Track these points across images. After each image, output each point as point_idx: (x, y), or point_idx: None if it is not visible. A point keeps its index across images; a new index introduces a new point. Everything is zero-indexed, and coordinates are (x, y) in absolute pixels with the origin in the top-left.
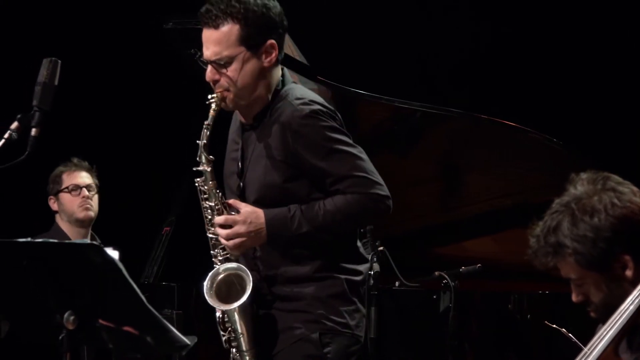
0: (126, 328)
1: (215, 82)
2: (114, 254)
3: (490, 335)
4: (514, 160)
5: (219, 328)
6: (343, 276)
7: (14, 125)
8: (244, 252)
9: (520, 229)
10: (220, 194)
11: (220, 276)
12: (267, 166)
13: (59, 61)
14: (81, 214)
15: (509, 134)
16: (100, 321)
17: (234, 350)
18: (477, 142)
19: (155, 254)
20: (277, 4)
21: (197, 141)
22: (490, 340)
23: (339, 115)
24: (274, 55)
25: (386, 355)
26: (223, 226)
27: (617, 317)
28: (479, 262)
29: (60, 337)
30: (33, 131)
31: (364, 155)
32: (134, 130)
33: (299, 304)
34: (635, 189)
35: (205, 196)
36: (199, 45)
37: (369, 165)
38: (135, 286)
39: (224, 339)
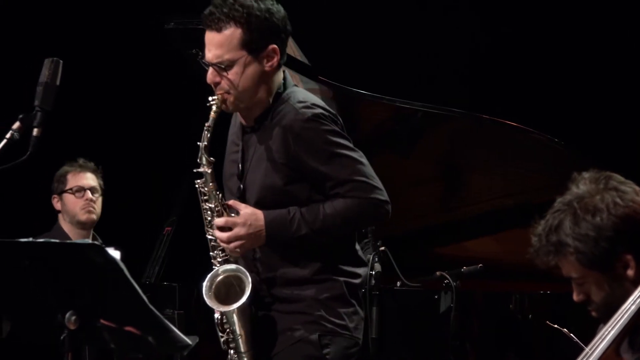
0: (128, 328)
1: (216, 84)
2: (115, 254)
3: (491, 335)
4: (516, 161)
5: (217, 329)
6: (342, 279)
7: (16, 125)
8: (243, 254)
9: (522, 229)
10: (220, 195)
11: (219, 277)
12: (268, 168)
13: (61, 61)
14: (83, 217)
15: (511, 134)
16: (102, 321)
17: (231, 351)
18: (479, 142)
19: (157, 254)
20: (280, 8)
21: (198, 143)
22: (492, 340)
23: (340, 119)
24: (275, 59)
25: (388, 355)
26: (223, 228)
27: (619, 317)
28: (481, 262)
29: (61, 337)
30: (35, 131)
31: (364, 160)
32: (135, 131)
33: (298, 305)
34: (637, 188)
35: (205, 197)
36: (200, 46)
37: (369, 170)
38: (136, 286)
39: (222, 340)
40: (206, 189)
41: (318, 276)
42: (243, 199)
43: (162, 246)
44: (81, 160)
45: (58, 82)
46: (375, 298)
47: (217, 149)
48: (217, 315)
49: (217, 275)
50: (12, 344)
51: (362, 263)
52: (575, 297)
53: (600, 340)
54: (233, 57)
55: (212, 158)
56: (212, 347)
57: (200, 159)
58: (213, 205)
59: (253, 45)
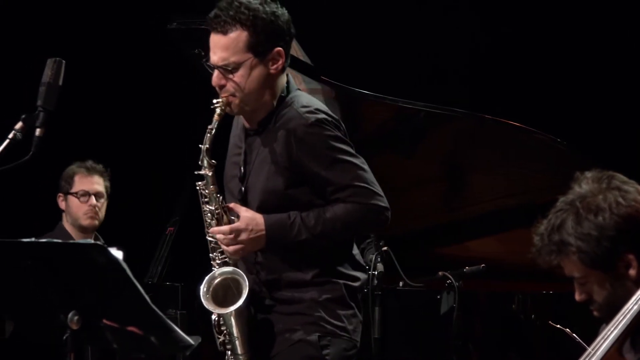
0: (130, 328)
1: (222, 87)
2: (118, 254)
3: (494, 335)
4: (518, 161)
5: (214, 331)
6: (342, 281)
7: (19, 125)
8: (244, 257)
9: (524, 229)
10: (220, 198)
11: (217, 280)
12: (270, 172)
13: (63, 61)
14: (85, 222)
15: (513, 134)
16: (104, 321)
17: (228, 352)
18: (481, 142)
19: (159, 254)
20: (285, 11)
21: (200, 145)
22: (494, 340)
23: (343, 125)
24: (280, 62)
25: (390, 356)
26: (224, 233)
27: (621, 317)
28: (483, 262)
29: (64, 337)
30: (37, 131)
31: (365, 166)
32: (137, 131)
33: (298, 307)
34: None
35: (206, 200)
36: (202, 46)
37: (370, 176)
38: (139, 286)
39: (218, 341)
40: (207, 191)
41: (318, 279)
42: (245, 201)
43: (165, 246)
44: (90, 162)
45: (61, 82)
46: (378, 298)
47: (218, 151)
48: (214, 316)
49: (214, 277)
50: (15, 344)
51: (360, 267)
52: (577, 296)
53: (602, 340)
54: (239, 59)
55: (213, 161)
56: (214, 347)
57: (202, 162)
58: (213, 208)
59: (259, 48)
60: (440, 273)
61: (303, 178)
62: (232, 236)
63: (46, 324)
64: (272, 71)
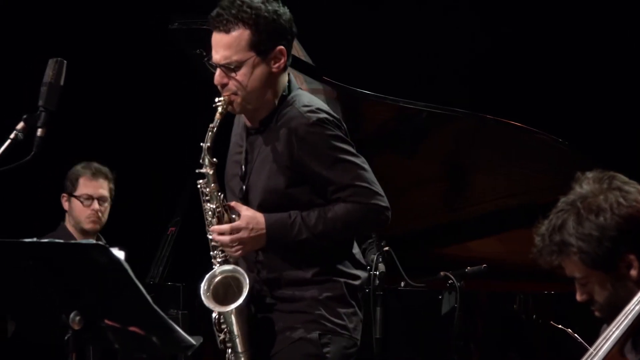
0: (132, 328)
1: (224, 85)
2: (119, 254)
3: (495, 335)
4: (519, 161)
5: (215, 329)
6: (342, 280)
7: (20, 125)
8: (244, 255)
9: (526, 229)
10: (222, 196)
11: (217, 278)
12: (272, 171)
13: (65, 61)
14: (87, 226)
15: (515, 134)
16: (106, 321)
17: (229, 351)
18: (483, 143)
19: (161, 254)
20: (287, 10)
21: (201, 144)
22: (496, 340)
23: (344, 124)
24: (282, 61)
25: (392, 356)
26: (225, 233)
27: (623, 318)
28: (485, 262)
29: (66, 337)
30: (39, 131)
31: (366, 166)
32: (139, 131)
33: (298, 305)
34: None
35: (206, 198)
36: (204, 46)
37: (371, 175)
38: (140, 286)
39: (219, 339)
40: (208, 189)
41: (318, 277)
42: (246, 200)
43: (166, 246)
44: (95, 165)
45: (62, 83)
46: (379, 298)
47: (219, 149)
48: (214, 315)
49: (214, 276)
50: (17, 344)
51: (361, 266)
52: (578, 297)
53: (604, 341)
54: (241, 58)
55: (214, 159)
56: (215, 347)
57: (203, 160)
58: (214, 206)
59: (261, 46)
60: (441, 273)
61: (304, 177)
62: (232, 235)
63: (48, 324)
64: (274, 70)
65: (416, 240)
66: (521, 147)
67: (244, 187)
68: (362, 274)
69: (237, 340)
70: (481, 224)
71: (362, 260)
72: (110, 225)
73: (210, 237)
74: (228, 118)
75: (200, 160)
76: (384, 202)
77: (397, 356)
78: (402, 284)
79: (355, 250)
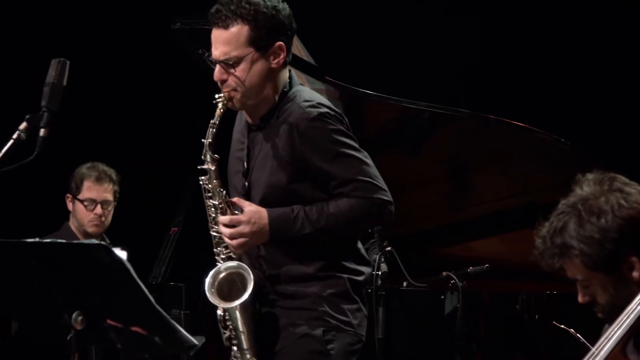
0: (134, 328)
1: (223, 81)
2: (122, 254)
3: (498, 335)
4: (522, 161)
5: (220, 326)
6: (346, 275)
7: (23, 125)
8: (247, 251)
9: (528, 229)
10: (224, 192)
11: (222, 275)
12: (273, 166)
13: (68, 62)
14: (90, 229)
15: (517, 134)
16: (109, 321)
17: (234, 348)
18: (485, 142)
19: (163, 254)
20: (286, 6)
21: (203, 140)
22: (498, 340)
23: (346, 119)
24: (282, 57)
25: (394, 356)
26: (227, 225)
27: (625, 318)
28: (487, 262)
29: (68, 337)
30: (42, 132)
31: (369, 160)
32: (141, 131)
33: (302, 301)
34: None
35: (209, 194)
36: (206, 46)
37: (373, 170)
38: (143, 286)
39: (224, 336)
40: (210, 185)
41: (322, 273)
42: (248, 196)
43: (169, 246)
44: (100, 167)
45: (65, 83)
46: (382, 298)
47: (221, 147)
48: (219, 312)
49: (219, 272)
50: (20, 344)
51: (365, 261)
52: (580, 298)
53: (606, 341)
54: (240, 54)
55: (216, 155)
56: (218, 347)
57: (205, 156)
58: (217, 202)
59: (260, 42)
60: (444, 273)
61: (306, 172)
62: (234, 229)
63: (50, 324)
64: (273, 65)
65: (418, 240)
66: (523, 147)
67: (246, 183)
68: (366, 269)
69: (243, 337)
70: (483, 223)
71: (366, 256)
72: (113, 225)
73: (213, 233)
74: (229, 114)
75: (202, 157)
76: (387, 196)
77: (399, 356)
78: (405, 284)
79: (360, 245)
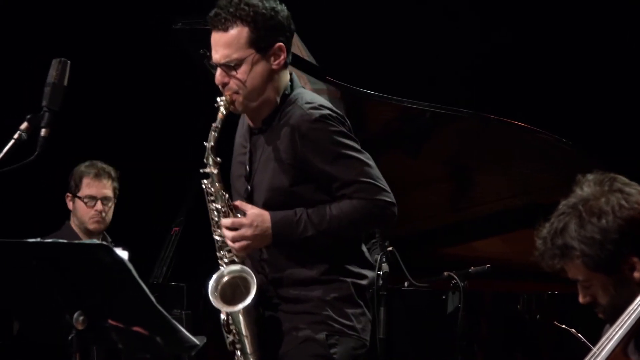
0: (135, 328)
1: (225, 84)
2: (123, 254)
3: (499, 335)
4: (523, 161)
5: (223, 330)
6: (349, 279)
7: (24, 125)
8: (250, 254)
9: (530, 229)
10: (226, 196)
11: (225, 278)
12: (276, 169)
13: (68, 62)
14: (92, 226)
15: (518, 134)
16: (110, 321)
17: (238, 352)
18: (486, 142)
19: (165, 254)
20: (284, 7)
21: (205, 143)
22: (500, 340)
23: (348, 121)
24: (282, 57)
25: (395, 356)
26: (229, 228)
27: (626, 318)
28: (488, 263)
29: (69, 337)
30: (42, 132)
31: (371, 162)
32: (142, 131)
33: (305, 305)
34: None
35: (211, 198)
36: (207, 46)
37: (375, 171)
38: (144, 286)
39: (227, 341)
40: (213, 189)
41: (325, 277)
42: (251, 200)
43: (170, 246)
44: (99, 165)
45: (66, 83)
46: (383, 298)
47: (223, 150)
48: (223, 316)
49: (222, 276)
50: (21, 344)
51: (369, 265)
52: (581, 299)
53: (607, 341)
54: (241, 55)
55: (218, 158)
56: (219, 347)
57: (207, 159)
58: (219, 206)
59: (261, 43)
60: (445, 273)
61: (308, 175)
62: (236, 232)
63: (52, 324)
64: (274, 67)
65: (420, 240)
66: (524, 147)
67: (249, 186)
68: (370, 273)
69: (246, 341)
70: (485, 224)
71: (371, 259)
72: (114, 225)
73: (216, 237)
74: (231, 118)
75: (204, 160)
76: (390, 197)
77: (400, 356)
78: (406, 284)
79: (364, 249)
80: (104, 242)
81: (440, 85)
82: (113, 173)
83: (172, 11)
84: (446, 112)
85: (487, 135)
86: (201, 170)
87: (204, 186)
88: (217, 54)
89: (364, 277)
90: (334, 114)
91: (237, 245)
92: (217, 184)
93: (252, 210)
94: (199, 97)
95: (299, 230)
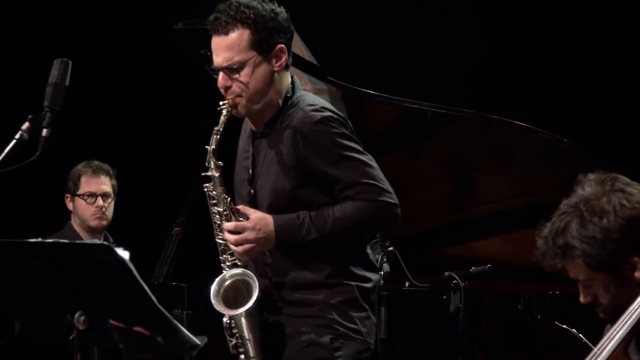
0: (136, 328)
1: (227, 88)
2: (124, 254)
3: (500, 335)
4: (524, 160)
5: (226, 334)
6: (354, 283)
7: (25, 125)
8: (253, 258)
9: (530, 229)
10: (229, 199)
11: (227, 282)
12: (278, 172)
13: (70, 62)
14: (94, 223)
15: (519, 134)
16: (111, 321)
17: (241, 356)
18: (487, 142)
19: (166, 254)
20: (283, 9)
21: (206, 147)
22: (500, 340)
23: (350, 122)
24: (283, 59)
25: (396, 356)
26: (232, 232)
27: (627, 318)
28: (489, 263)
29: (70, 337)
30: (44, 132)
31: (373, 163)
32: (144, 131)
33: (310, 309)
34: None
35: (214, 201)
36: (208, 46)
37: (378, 173)
38: (145, 286)
39: (231, 344)
40: (215, 192)
41: (330, 280)
42: (254, 204)
43: (171, 246)
44: (95, 163)
45: (67, 83)
46: (384, 298)
47: (225, 154)
48: (225, 319)
49: (224, 279)
50: (22, 344)
51: (373, 268)
52: (582, 299)
53: (608, 341)
54: (243, 58)
55: (220, 162)
56: (220, 347)
57: (209, 163)
58: (222, 209)
59: (262, 45)
60: (446, 273)
61: (311, 177)
62: (239, 235)
63: (53, 324)
64: (275, 69)
65: (421, 240)
66: (526, 147)
67: (252, 190)
68: (374, 276)
69: (249, 345)
70: (485, 224)
71: (375, 262)
72: (115, 225)
73: (219, 241)
74: (234, 122)
75: (206, 164)
76: (393, 198)
77: (401, 356)
78: (407, 284)
79: (368, 251)
80: (104, 242)
81: (441, 85)
82: (110, 170)
83: (173, 11)
84: (447, 112)
85: (488, 135)
86: (203, 174)
87: (205, 190)
88: (219, 58)
89: (368, 280)
90: (335, 116)
91: (240, 249)
92: (219, 188)
93: (255, 214)
94: (200, 97)
95: (302, 233)
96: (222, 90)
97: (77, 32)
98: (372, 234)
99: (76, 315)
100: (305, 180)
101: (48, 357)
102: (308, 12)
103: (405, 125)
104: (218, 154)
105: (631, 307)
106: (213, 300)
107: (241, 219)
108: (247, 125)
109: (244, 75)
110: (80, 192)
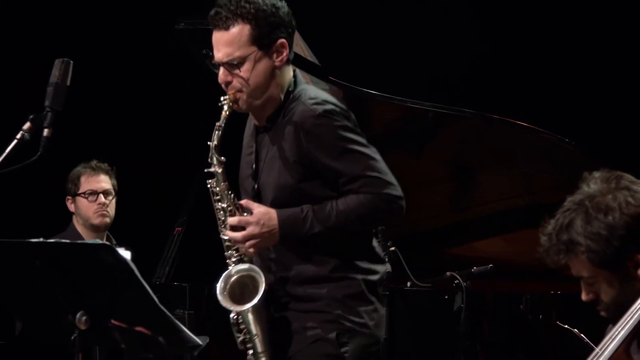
0: (138, 328)
1: (228, 83)
2: (126, 254)
3: (501, 335)
4: (526, 161)
5: (234, 330)
6: (360, 276)
7: (26, 125)
8: (258, 253)
9: (532, 229)
10: (232, 195)
11: (233, 278)
12: (281, 167)
13: (71, 62)
14: (96, 220)
15: (521, 134)
16: (113, 321)
17: (249, 352)
18: (489, 142)
19: (167, 254)
20: (285, 4)
21: (208, 142)
22: (502, 340)
23: (353, 115)
24: (284, 54)
25: (397, 356)
26: (236, 227)
27: (629, 317)
28: (491, 263)
29: (72, 337)
30: (45, 132)
31: (377, 156)
32: (145, 131)
33: (316, 304)
34: None
35: (217, 197)
36: (210, 46)
37: (382, 165)
38: (147, 286)
39: (238, 340)
40: (218, 189)
41: (335, 274)
42: (258, 199)
43: (173, 246)
44: (94, 162)
45: (68, 83)
46: (386, 298)
47: (227, 148)
48: (232, 315)
49: (230, 275)
50: (23, 344)
51: (379, 260)
52: (584, 296)
53: (610, 341)
54: (244, 53)
55: (222, 158)
56: (222, 347)
57: (211, 159)
58: (225, 205)
59: (263, 40)
60: (448, 273)
61: (314, 171)
62: (243, 231)
63: (54, 324)
64: (276, 63)
65: (422, 240)
66: (527, 147)
67: (256, 185)
68: (381, 268)
69: (257, 340)
70: (487, 223)
71: (381, 254)
72: (116, 225)
73: (223, 236)
74: (236, 117)
75: (209, 160)
76: (397, 191)
77: (403, 356)
78: (408, 284)
79: (375, 243)
80: (106, 242)
81: (443, 85)
82: (109, 169)
83: (174, 11)
84: (449, 112)
85: (490, 135)
86: (206, 170)
87: (209, 186)
88: (220, 53)
89: (374, 272)
90: (338, 109)
91: (245, 244)
92: (222, 183)
93: (258, 209)
94: (201, 97)
95: (306, 227)
96: (222, 86)
97: (78, 32)
98: (376, 226)
99: (78, 315)
100: (309, 174)
101: (49, 357)
102: (309, 12)
103: (407, 125)
104: (220, 149)
105: (633, 307)
106: (219, 297)
107: (245, 214)
108: (251, 121)
109: (244, 71)
110: (81, 191)
